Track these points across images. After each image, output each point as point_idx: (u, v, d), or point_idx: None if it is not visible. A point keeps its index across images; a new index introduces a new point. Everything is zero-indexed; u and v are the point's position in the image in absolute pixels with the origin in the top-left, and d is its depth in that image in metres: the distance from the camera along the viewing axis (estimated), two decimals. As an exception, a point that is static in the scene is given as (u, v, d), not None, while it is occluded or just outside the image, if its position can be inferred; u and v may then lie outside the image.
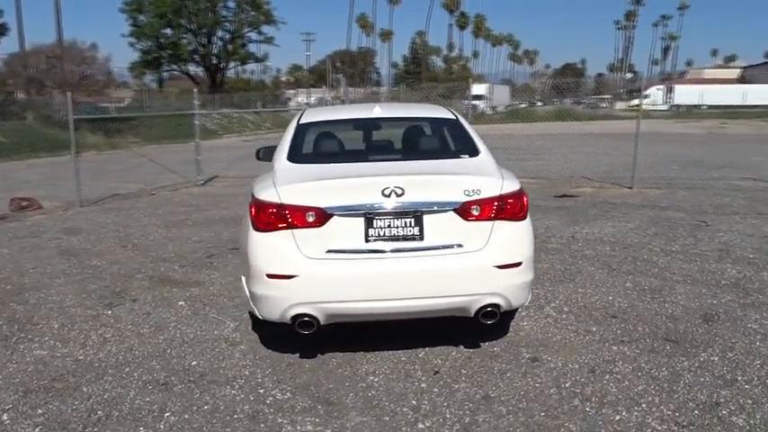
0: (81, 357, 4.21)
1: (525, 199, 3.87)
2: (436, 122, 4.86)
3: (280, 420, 3.31)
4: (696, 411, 3.30)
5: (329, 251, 3.66)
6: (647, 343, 4.20)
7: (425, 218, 3.68)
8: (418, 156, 4.30)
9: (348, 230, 3.66)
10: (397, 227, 3.67)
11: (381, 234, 3.67)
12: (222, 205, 10.36)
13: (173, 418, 3.37)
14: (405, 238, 3.68)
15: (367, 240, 3.67)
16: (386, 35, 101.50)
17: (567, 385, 3.63)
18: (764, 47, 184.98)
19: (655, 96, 62.74)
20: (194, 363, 4.06)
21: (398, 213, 3.66)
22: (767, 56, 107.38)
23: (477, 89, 61.26)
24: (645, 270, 5.88)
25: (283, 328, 3.82)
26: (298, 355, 4.14)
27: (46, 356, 4.23)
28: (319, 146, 4.54)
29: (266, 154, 6.12)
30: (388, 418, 3.31)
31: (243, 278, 4.15)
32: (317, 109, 5.44)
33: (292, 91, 74.08)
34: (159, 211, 10.01)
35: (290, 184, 3.77)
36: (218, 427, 3.26)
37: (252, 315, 4.51)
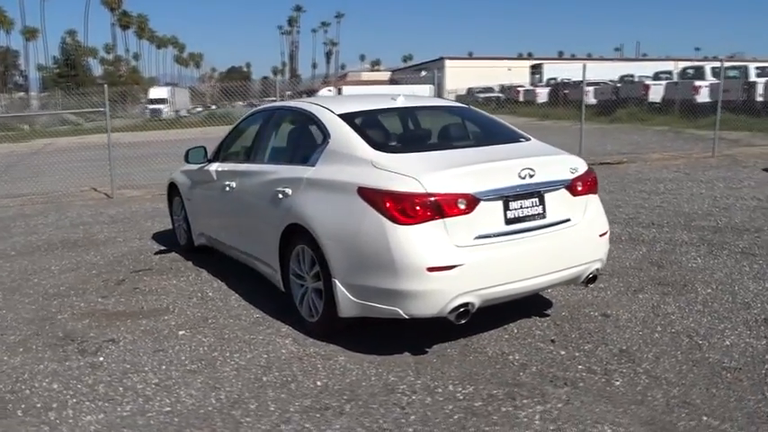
0: (168, 409, 3.41)
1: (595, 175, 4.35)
2: (462, 111, 5.00)
3: (509, 410, 3.25)
4: (763, 327, 4.19)
5: (478, 237, 3.66)
6: (655, 288, 5.03)
7: (546, 196, 3.91)
8: (490, 141, 4.43)
9: (491, 215, 3.71)
10: (527, 207, 3.84)
11: (516, 215, 3.79)
12: (15, 230, 8.56)
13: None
14: (533, 218, 3.86)
15: (506, 223, 3.76)
16: (30, 33, 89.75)
17: (659, 329, 4.22)
18: (402, 52, 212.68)
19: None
20: (320, 384, 3.62)
21: (529, 194, 3.83)
22: (405, 60, 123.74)
23: (158, 92, 58.26)
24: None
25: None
26: (407, 353, 3.98)
27: (114, 421, 3.31)
28: (386, 136, 4.36)
29: (195, 156, 5.60)
30: (583, 384, 3.50)
31: (339, 281, 3.84)
32: (332, 99, 5.10)
33: None
34: (-64, 244, 7.83)
35: (432, 172, 3.63)
36: (465, 426, 3.07)
37: (310, 326, 4.28)
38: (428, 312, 3.62)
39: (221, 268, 5.98)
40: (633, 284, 5.16)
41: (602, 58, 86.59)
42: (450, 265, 3.54)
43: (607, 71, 44.86)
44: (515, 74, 56.71)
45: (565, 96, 28.77)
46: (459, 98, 54.92)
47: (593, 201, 4.20)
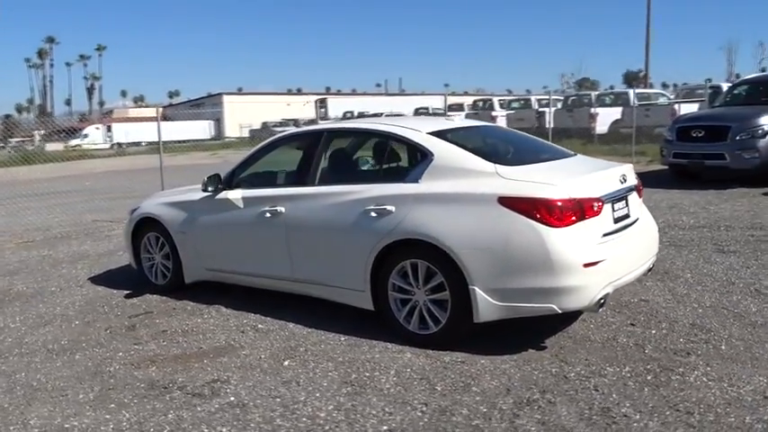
0: (385, 428, 3.36)
1: None
2: (506, 132, 5.48)
3: (677, 377, 3.76)
4: (763, 295, 5.25)
5: (604, 234, 4.18)
6: (650, 277, 5.91)
7: (629, 198, 4.57)
8: (561, 155, 4.93)
9: (607, 215, 4.26)
10: (621, 208, 4.46)
11: (617, 215, 4.39)
12: None
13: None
14: (625, 217, 4.50)
15: (614, 222, 4.33)
16: None
17: (696, 305, 5.06)
18: (167, 87, 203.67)
19: (94, 136, 62.41)
20: (494, 384, 3.82)
21: (622, 197, 4.46)
22: (171, 95, 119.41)
23: None
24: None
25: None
26: (532, 350, 4.31)
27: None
28: (485, 150, 4.66)
29: (212, 181, 5.46)
30: (701, 352, 4.16)
31: (479, 288, 4.09)
32: (399, 119, 5.15)
33: None
34: None
35: (569, 179, 4.08)
36: (663, 394, 3.52)
37: (421, 338, 4.45)
38: (581, 305, 4.02)
39: (233, 301, 5.68)
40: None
41: (365, 93, 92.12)
42: (599, 260, 4.01)
43: (384, 106, 48.35)
44: (294, 109, 57.88)
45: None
46: (254, 132, 54.58)
47: (642, 202, 4.96)
